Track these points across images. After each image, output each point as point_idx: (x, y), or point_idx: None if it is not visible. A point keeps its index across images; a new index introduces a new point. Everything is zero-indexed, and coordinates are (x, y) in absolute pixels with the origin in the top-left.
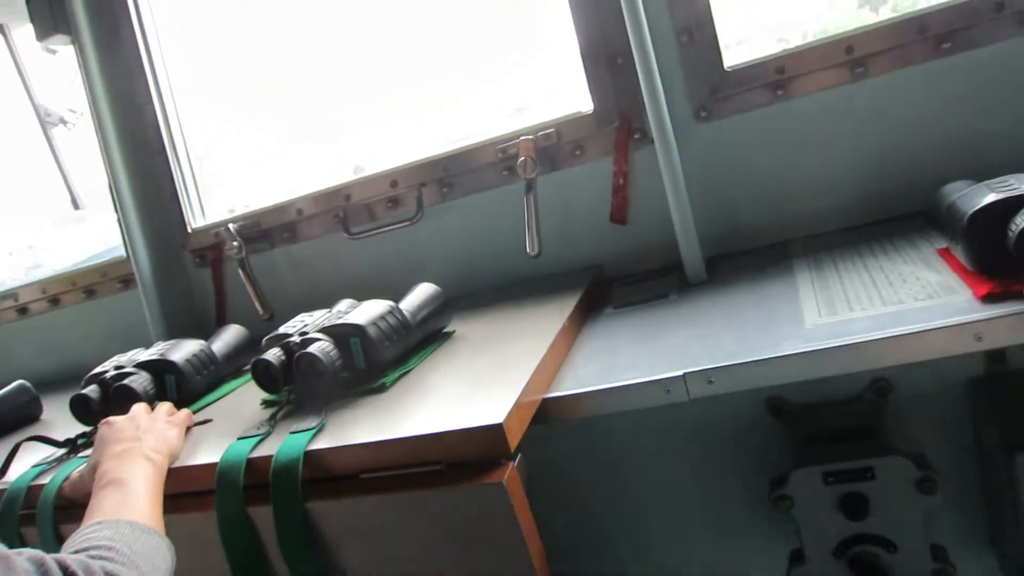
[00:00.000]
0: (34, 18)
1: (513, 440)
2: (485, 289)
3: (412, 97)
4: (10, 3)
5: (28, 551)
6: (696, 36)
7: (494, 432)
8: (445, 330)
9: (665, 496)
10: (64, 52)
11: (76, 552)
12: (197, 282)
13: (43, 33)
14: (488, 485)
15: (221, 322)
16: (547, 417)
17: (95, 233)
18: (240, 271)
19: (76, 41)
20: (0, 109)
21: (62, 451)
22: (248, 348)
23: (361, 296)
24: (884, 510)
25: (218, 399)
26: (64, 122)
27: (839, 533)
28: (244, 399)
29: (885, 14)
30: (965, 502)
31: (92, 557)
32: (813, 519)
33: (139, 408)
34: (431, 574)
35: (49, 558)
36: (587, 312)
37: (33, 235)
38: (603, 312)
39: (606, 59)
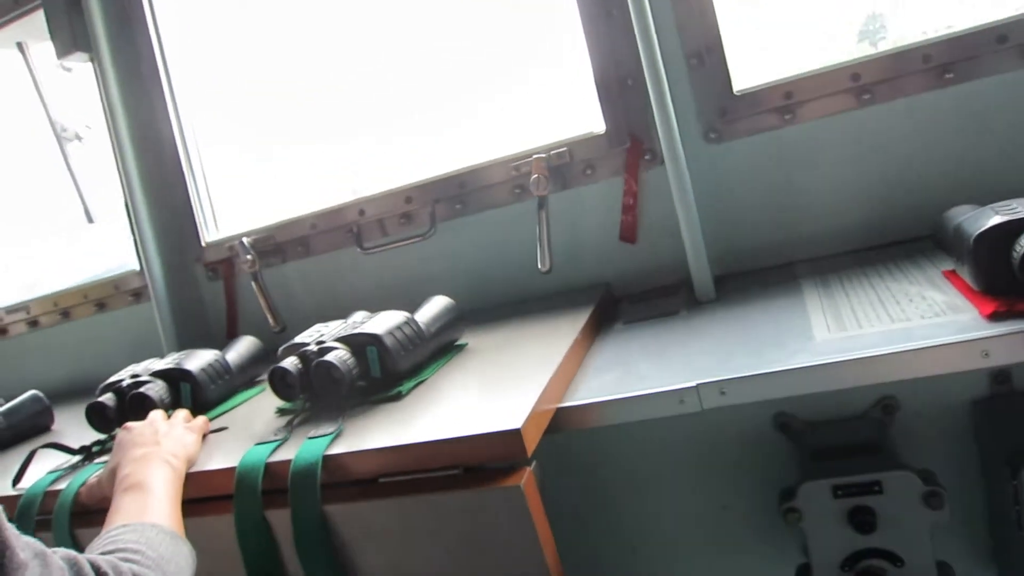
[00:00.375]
0: (54, 36)
1: (530, 445)
2: (495, 305)
3: (412, 98)
4: (28, 22)
5: (62, 550)
6: (706, 60)
7: (512, 437)
8: (458, 342)
9: (670, 510)
10: (77, 69)
11: (103, 554)
12: (208, 295)
13: (63, 51)
14: (506, 488)
15: (232, 335)
16: (561, 426)
17: (87, 251)
18: (253, 284)
19: (95, 58)
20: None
21: (77, 458)
22: (261, 359)
23: (373, 310)
24: (891, 524)
25: (232, 408)
26: (79, 137)
27: (847, 547)
28: (258, 409)
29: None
30: (969, 521)
31: (120, 560)
32: (821, 532)
33: (157, 414)
34: None
35: (82, 558)
36: (597, 327)
37: (28, 252)
38: (613, 328)
39: (617, 81)
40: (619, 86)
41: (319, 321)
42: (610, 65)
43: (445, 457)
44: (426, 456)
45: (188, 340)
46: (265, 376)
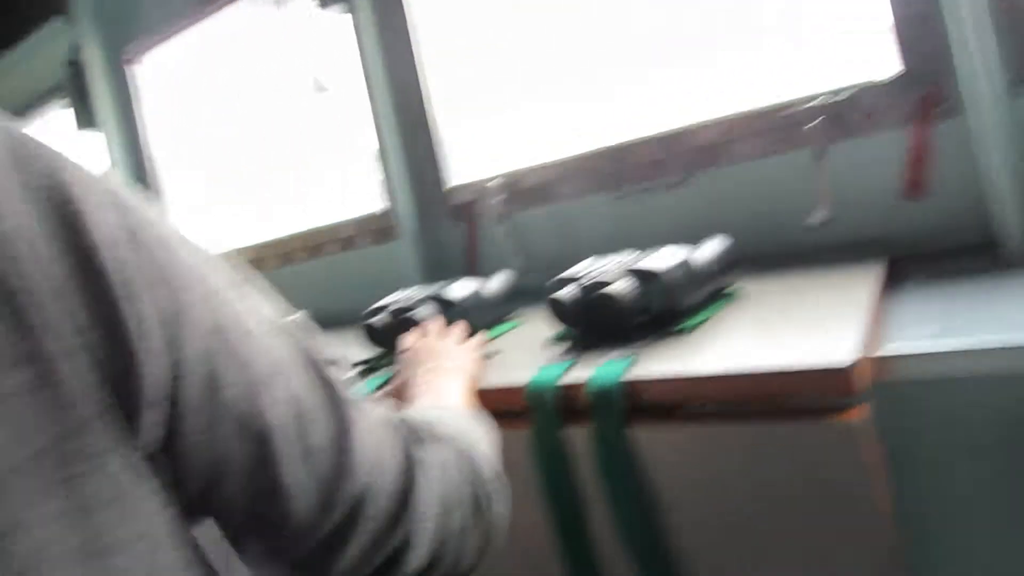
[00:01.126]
0: None
1: (860, 385)
2: (755, 258)
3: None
4: None
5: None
6: (1016, 1)
7: (840, 375)
8: (730, 289)
9: (965, 488)
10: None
11: None
12: (450, 237)
13: (325, 0)
14: (841, 424)
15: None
16: (874, 377)
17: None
18: (500, 228)
19: (352, 8)
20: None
21: (351, 374)
22: (513, 298)
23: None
24: None
25: (494, 339)
26: (325, 88)
27: None
28: (521, 340)
29: None
30: None
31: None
32: None
33: (435, 328)
34: (758, 513)
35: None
36: (886, 285)
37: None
38: (904, 286)
39: (917, 21)
40: (919, 27)
41: (562, 268)
42: (909, 6)
43: (757, 390)
44: (737, 388)
45: (431, 279)
46: (518, 313)
